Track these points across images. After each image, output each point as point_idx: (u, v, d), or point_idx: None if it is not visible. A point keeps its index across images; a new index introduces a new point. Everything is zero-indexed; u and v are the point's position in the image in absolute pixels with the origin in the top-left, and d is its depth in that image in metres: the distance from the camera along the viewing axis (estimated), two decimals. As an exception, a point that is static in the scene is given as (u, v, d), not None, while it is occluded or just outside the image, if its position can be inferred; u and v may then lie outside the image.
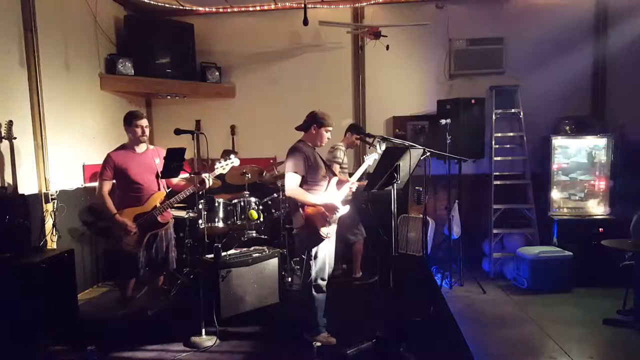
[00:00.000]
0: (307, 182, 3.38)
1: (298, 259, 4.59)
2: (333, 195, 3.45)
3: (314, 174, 3.38)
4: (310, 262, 3.40)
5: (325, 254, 3.42)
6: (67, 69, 4.74)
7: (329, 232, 3.35)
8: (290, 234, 5.20)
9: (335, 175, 3.62)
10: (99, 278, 5.11)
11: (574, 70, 5.52)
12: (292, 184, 3.32)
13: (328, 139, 3.53)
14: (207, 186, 3.73)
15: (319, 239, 3.33)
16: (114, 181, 3.76)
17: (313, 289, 3.43)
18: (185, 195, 3.79)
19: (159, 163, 3.82)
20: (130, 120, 3.75)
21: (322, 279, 3.44)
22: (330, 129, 3.49)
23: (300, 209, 3.36)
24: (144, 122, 3.80)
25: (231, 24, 6.06)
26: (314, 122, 3.46)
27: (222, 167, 3.76)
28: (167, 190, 3.94)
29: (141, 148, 3.82)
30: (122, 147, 3.82)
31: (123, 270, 3.94)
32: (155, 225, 3.77)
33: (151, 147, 3.89)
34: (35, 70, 4.22)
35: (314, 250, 3.37)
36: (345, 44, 5.99)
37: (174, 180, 3.97)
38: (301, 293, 3.60)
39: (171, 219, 3.97)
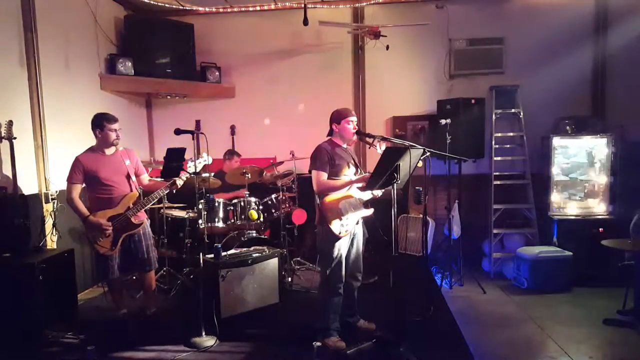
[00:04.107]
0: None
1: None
2: (356, 194, 3.44)
3: (334, 172, 3.36)
4: (325, 260, 3.39)
5: (341, 254, 3.37)
6: (67, 69, 4.74)
7: (347, 230, 3.33)
8: (290, 234, 5.24)
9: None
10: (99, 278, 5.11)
11: (574, 70, 5.53)
12: (317, 179, 3.32)
13: (356, 127, 3.43)
14: (179, 186, 3.74)
15: (334, 237, 3.31)
16: (84, 185, 3.69)
17: (326, 290, 3.41)
18: (158, 196, 3.78)
19: (129, 164, 3.79)
20: (101, 124, 3.65)
21: (338, 281, 3.38)
22: (352, 118, 3.41)
23: (318, 204, 3.35)
24: (117, 125, 3.71)
25: (231, 24, 6.06)
26: (331, 121, 3.47)
27: (194, 166, 3.69)
28: (140, 191, 3.91)
29: (110, 150, 3.76)
30: (91, 150, 3.74)
31: (98, 273, 3.91)
32: (130, 226, 3.72)
33: (120, 148, 3.82)
34: (35, 70, 4.22)
35: (327, 249, 3.34)
36: (345, 44, 5.99)
37: (145, 181, 3.95)
38: (317, 293, 3.58)
39: (146, 219, 3.89)
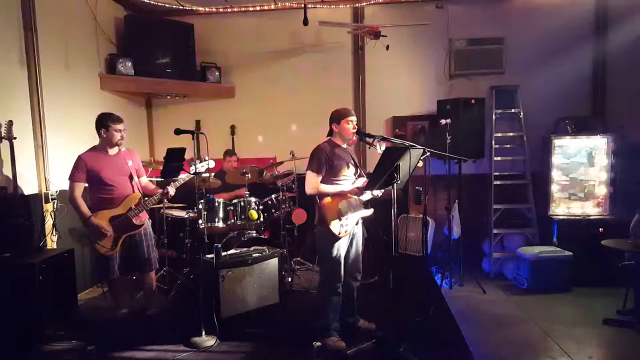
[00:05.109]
0: (325, 182, 3.36)
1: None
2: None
3: (333, 173, 3.35)
4: (324, 260, 3.39)
5: (340, 254, 3.36)
6: (67, 69, 4.74)
7: (346, 230, 3.32)
8: (290, 234, 5.24)
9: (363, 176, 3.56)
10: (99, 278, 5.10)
11: (574, 70, 5.52)
12: (310, 182, 3.33)
13: (355, 127, 3.41)
14: (170, 196, 3.77)
15: (333, 237, 3.30)
16: (87, 184, 3.68)
17: (325, 290, 3.40)
18: (159, 197, 3.79)
19: (131, 165, 3.79)
20: (106, 124, 3.65)
21: (337, 281, 3.38)
22: (351, 118, 3.40)
23: (317, 204, 3.35)
24: (122, 126, 3.72)
25: (231, 24, 6.06)
26: (331, 121, 3.46)
27: (196, 169, 3.70)
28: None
29: (113, 150, 3.76)
30: (94, 149, 3.73)
31: (98, 273, 3.93)
32: (131, 227, 3.72)
33: (123, 149, 3.82)
34: (35, 70, 4.22)
35: (327, 249, 3.34)
36: (345, 44, 5.99)
37: (143, 182, 3.95)
38: (317, 293, 3.59)
39: (147, 219, 3.89)
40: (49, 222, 4.25)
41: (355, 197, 3.41)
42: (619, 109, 5.46)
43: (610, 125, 5.37)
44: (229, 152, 5.50)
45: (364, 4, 5.77)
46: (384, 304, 4.00)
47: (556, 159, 5.21)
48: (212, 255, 3.80)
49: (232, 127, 6.08)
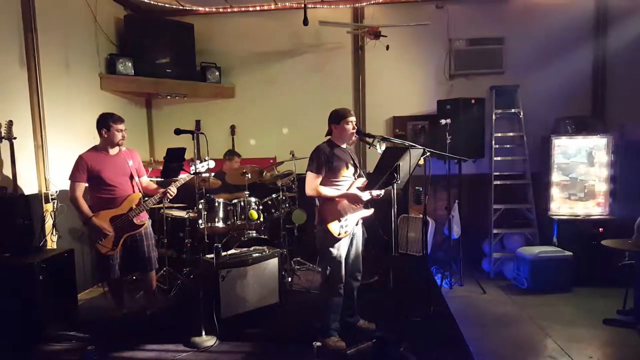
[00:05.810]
0: (325, 182, 3.35)
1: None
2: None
3: (332, 174, 3.34)
4: (324, 261, 3.39)
5: (340, 254, 3.36)
6: (67, 69, 4.74)
7: (346, 231, 3.32)
8: (290, 234, 5.24)
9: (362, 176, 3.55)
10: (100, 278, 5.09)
11: (574, 70, 5.52)
12: (310, 183, 3.32)
13: (355, 127, 3.40)
14: (171, 197, 3.76)
15: (333, 238, 3.30)
16: (87, 184, 3.68)
17: (326, 291, 3.41)
18: (159, 197, 3.80)
19: (132, 165, 3.79)
20: (107, 124, 3.65)
21: (338, 281, 3.38)
22: (351, 119, 3.38)
23: (318, 205, 3.35)
24: (123, 126, 3.72)
25: (231, 24, 6.06)
26: (330, 121, 3.45)
27: (196, 169, 3.69)
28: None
29: (114, 150, 3.76)
30: (94, 149, 3.73)
31: (98, 273, 3.93)
32: (132, 227, 3.72)
33: (123, 148, 3.82)
34: (35, 70, 4.23)
35: (327, 249, 3.33)
36: (345, 44, 5.99)
37: (144, 182, 3.95)
38: (318, 293, 3.58)
39: (147, 219, 3.89)
40: (49, 222, 4.25)
41: None
42: (619, 109, 5.46)
43: (610, 125, 5.37)
44: (233, 153, 5.48)
45: (364, 4, 5.77)
46: (384, 304, 3.99)
47: (556, 159, 5.20)
48: (212, 255, 3.80)
49: (232, 127, 6.08)
